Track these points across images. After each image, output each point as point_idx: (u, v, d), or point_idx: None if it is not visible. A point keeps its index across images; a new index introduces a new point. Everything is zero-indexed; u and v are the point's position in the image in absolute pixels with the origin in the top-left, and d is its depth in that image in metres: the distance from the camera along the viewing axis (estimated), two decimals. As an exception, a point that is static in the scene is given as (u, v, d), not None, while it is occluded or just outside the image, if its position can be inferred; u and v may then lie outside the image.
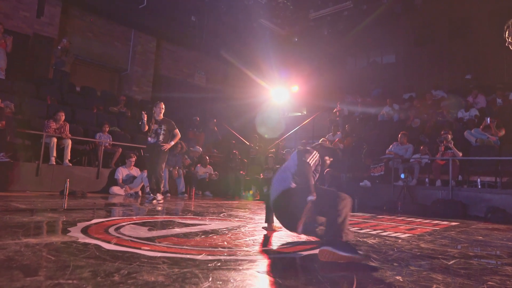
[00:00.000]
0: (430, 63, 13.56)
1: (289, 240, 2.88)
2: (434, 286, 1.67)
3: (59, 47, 9.38)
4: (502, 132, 7.90)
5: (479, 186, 7.46)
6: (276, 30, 13.41)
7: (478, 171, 7.62)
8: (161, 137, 6.11)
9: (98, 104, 9.95)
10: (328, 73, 14.39)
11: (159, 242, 2.44)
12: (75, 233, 2.60)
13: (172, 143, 6.29)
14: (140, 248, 2.20)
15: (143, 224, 3.27)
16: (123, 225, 3.13)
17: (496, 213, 6.09)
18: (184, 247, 2.34)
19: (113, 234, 2.66)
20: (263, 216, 4.61)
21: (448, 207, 6.68)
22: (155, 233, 2.81)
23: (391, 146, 8.48)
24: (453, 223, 5.09)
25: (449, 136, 7.76)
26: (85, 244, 2.23)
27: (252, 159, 10.08)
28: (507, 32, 2.82)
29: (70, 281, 1.47)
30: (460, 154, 7.47)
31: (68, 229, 2.77)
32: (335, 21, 12.64)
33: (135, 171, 7.66)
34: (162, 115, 6.26)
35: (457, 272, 2.00)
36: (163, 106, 6.31)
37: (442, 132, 7.97)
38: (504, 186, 7.15)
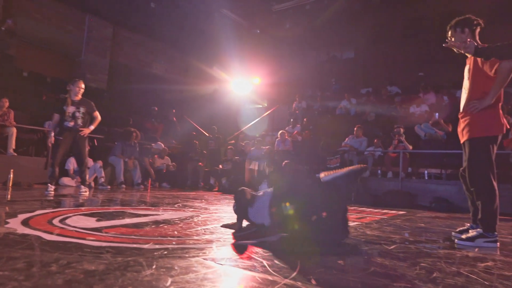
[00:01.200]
0: (386, 60, 14.10)
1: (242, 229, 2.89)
2: (372, 268, 1.75)
3: (3, 28, 8.76)
4: (450, 128, 8.39)
5: (426, 178, 7.91)
6: (238, 21, 13.32)
7: (426, 163, 8.06)
8: (79, 121, 5.40)
9: (48, 91, 9.41)
10: (289, 66, 14.53)
11: (106, 232, 2.36)
12: (15, 225, 2.45)
13: (92, 127, 5.61)
14: (84, 238, 2.12)
15: (91, 215, 3.15)
16: (70, 216, 3.00)
17: (440, 202, 6.50)
18: (132, 236, 2.29)
19: (57, 225, 2.54)
20: (218, 207, 4.62)
21: (397, 197, 7.03)
22: (103, 224, 2.71)
23: (347, 139, 8.75)
24: (401, 212, 5.36)
25: (401, 130, 8.14)
26: (24, 236, 2.11)
27: (211, 150, 10.01)
28: (449, 33, 2.98)
29: (1, 273, 1.38)
30: (411, 147, 7.86)
31: (7, 220, 2.61)
32: (297, 15, 12.75)
33: (87, 162, 7.36)
34: (80, 95, 5.49)
35: (395, 255, 2.11)
36: (83, 85, 5.53)
37: (395, 127, 8.34)
38: (449, 178, 7.62)
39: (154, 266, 1.57)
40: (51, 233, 2.24)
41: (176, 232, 2.52)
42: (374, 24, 13.81)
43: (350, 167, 2.52)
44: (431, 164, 7.98)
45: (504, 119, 2.74)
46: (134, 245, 2.01)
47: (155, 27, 12.34)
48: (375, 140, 8.38)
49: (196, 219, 3.30)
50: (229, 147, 9.36)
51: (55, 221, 2.69)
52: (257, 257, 1.88)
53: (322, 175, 2.56)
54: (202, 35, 12.82)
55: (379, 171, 8.18)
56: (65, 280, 1.33)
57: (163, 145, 9.34)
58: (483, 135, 2.70)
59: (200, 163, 9.56)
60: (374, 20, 13.62)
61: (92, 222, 2.74)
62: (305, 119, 11.16)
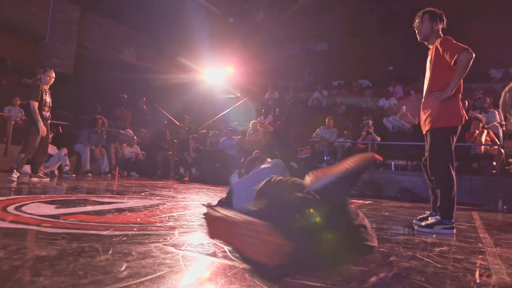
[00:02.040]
0: (358, 53, 14.31)
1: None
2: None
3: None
4: (416, 121, 8.65)
5: (393, 169, 8.14)
6: (212, 9, 13.11)
7: (393, 155, 8.29)
8: (49, 111, 5.50)
9: (9, 75, 8.93)
10: (262, 57, 14.48)
11: (64, 219, 2.27)
12: (-36, 211, 2.32)
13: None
14: (39, 225, 2.03)
15: (51, 202, 3.03)
16: (27, 204, 2.87)
17: (405, 193, 6.72)
18: (91, 223, 2.21)
19: (12, 212, 2.42)
20: (187, 195, 4.57)
21: (365, 187, 7.20)
22: (62, 211, 2.61)
23: (318, 129, 8.86)
24: (367, 202, 5.49)
25: (370, 122, 8.32)
26: (-27, 222, 2.00)
27: (182, 140, 9.87)
28: (416, 20, 3.05)
29: None
30: (379, 139, 8.06)
31: (-43, 207, 2.47)
32: (271, 5, 12.69)
33: (51, 149, 7.05)
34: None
35: (357, 241, 2.15)
36: (53, 74, 5.50)
37: (364, 118, 8.51)
38: (414, 169, 7.88)
39: (110, 252, 1.52)
40: (4, 220, 2.13)
41: (138, 219, 2.46)
42: (348, 17, 13.98)
43: (351, 162, 1.57)
44: (398, 155, 8.22)
45: (464, 111, 2.84)
46: (92, 232, 1.94)
47: (126, 12, 11.95)
48: (345, 132, 8.52)
49: (162, 207, 3.24)
50: (190, 136, 9.21)
51: (10, 209, 2.57)
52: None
53: (309, 178, 1.63)
54: (174, 23, 12.53)
55: (348, 162, 8.34)
56: (11, 266, 1.27)
57: (132, 133, 9.12)
58: (444, 125, 2.79)
59: (170, 152, 9.41)
60: (348, 13, 13.79)
61: (50, 210, 2.63)
62: (277, 110, 11.19)
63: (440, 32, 2.99)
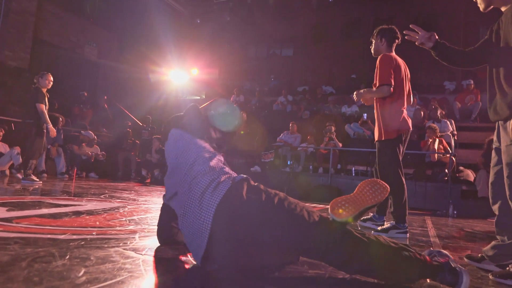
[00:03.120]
0: (323, 60, 14.67)
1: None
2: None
3: None
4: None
5: (353, 174, 8.41)
6: (179, 9, 12.95)
7: (354, 160, 8.56)
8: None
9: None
10: (228, 60, 14.48)
11: (17, 223, 2.16)
12: None
13: None
14: (-12, 229, 1.91)
15: (2, 205, 2.86)
16: (-26, 205, 2.69)
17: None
18: (47, 227, 2.12)
19: (-43, 215, 2.26)
20: (148, 198, 4.47)
21: (326, 192, 7.38)
22: (14, 214, 2.48)
23: (282, 134, 8.98)
24: (327, 206, 5.63)
25: (333, 128, 8.55)
26: None
27: (144, 140, 9.63)
28: (372, 37, 3.24)
29: None
30: (340, 145, 8.29)
31: None
32: (237, 8, 12.74)
33: (1, 147, 6.66)
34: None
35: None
36: (51, 78, 5.61)
37: (327, 124, 8.74)
38: (373, 175, 8.17)
39: (67, 257, 1.47)
40: (-52, 223, 1.99)
41: (97, 223, 2.39)
42: (313, 24, 14.30)
43: (377, 195, 1.63)
44: (359, 161, 8.50)
45: (408, 119, 3.05)
46: (48, 236, 1.86)
47: (88, 6, 11.52)
48: (308, 137, 8.70)
49: (122, 210, 3.16)
50: (154, 136, 9.02)
51: (-44, 210, 2.40)
52: (182, 246, 1.85)
53: (339, 210, 1.57)
54: (140, 20, 12.25)
55: (310, 167, 8.52)
56: (-43, 273, 1.19)
57: (93, 134, 8.78)
58: (388, 137, 2.98)
59: (133, 153, 9.16)
60: (314, 20, 14.11)
61: (1, 212, 2.49)
62: (243, 113, 11.21)
63: (389, 48, 3.17)
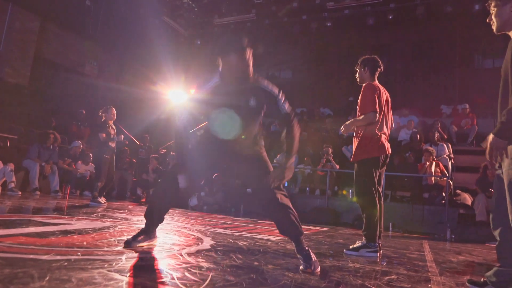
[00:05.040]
0: (321, 83, 14.82)
1: (165, 240, 2.76)
2: (283, 281, 1.75)
3: None
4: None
5: (351, 196, 8.32)
6: (179, 30, 13.15)
7: (351, 183, 8.48)
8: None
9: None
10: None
11: (0, 242, 2.09)
12: None
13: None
14: (-31, 248, 1.85)
15: (-12, 222, 2.79)
16: (-40, 223, 2.63)
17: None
18: (31, 247, 2.05)
19: None
20: (140, 218, 4.39)
21: (323, 214, 7.31)
22: (-1, 232, 2.41)
23: (279, 155, 8.94)
24: (324, 229, 5.55)
25: (330, 150, 8.54)
26: None
27: (141, 159, 9.58)
28: (357, 66, 3.39)
29: None
30: (337, 166, 8.26)
31: None
32: (238, 30, 12.92)
33: (-4, 164, 6.60)
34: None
35: (310, 269, 2.15)
36: (114, 111, 6.33)
37: (324, 146, 8.73)
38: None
39: (47, 278, 1.41)
40: None
41: (85, 243, 2.32)
42: (311, 48, 14.51)
43: None
44: (355, 183, 8.43)
45: (386, 144, 3.17)
46: (31, 256, 1.80)
47: (89, 26, 11.68)
48: (305, 158, 8.67)
49: (113, 229, 3.09)
50: (151, 156, 8.97)
51: None
52: (168, 269, 1.79)
53: None
54: (140, 41, 12.40)
55: (307, 188, 8.45)
56: None
57: (80, 143, 8.69)
58: (364, 157, 3.13)
59: (130, 171, 9.09)
60: (312, 44, 14.32)
61: (-14, 230, 2.43)
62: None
63: (376, 77, 3.36)
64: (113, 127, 6.30)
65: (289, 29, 12.83)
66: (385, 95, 3.28)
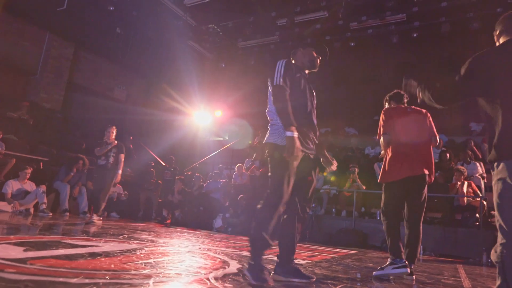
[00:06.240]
0: (345, 102, 14.71)
1: (191, 263, 2.74)
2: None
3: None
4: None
5: (378, 218, 8.08)
6: (204, 53, 13.48)
7: (378, 203, 8.25)
8: (111, 160, 6.29)
9: (-6, 109, 8.82)
10: (252, 102, 14.72)
11: (31, 264, 2.13)
12: None
13: (119, 171, 6.40)
14: (2, 271, 1.89)
15: (20, 244, 2.86)
16: (-6, 244, 2.70)
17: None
18: (61, 269, 2.08)
19: (-25, 254, 2.26)
20: (167, 240, 4.40)
21: (350, 236, 7.09)
22: (30, 254, 2.46)
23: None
24: (352, 251, 5.37)
25: (356, 170, 8.37)
26: None
27: (166, 181, 9.71)
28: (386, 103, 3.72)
29: None
30: (364, 187, 8.06)
31: None
32: (262, 53, 13.12)
33: (29, 186, 6.83)
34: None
35: (341, 296, 2.06)
36: (114, 130, 6.56)
37: (350, 166, 8.56)
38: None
39: (75, 304, 1.41)
40: (-35, 263, 1.99)
41: (112, 266, 2.33)
42: (335, 68, 14.51)
43: None
44: (383, 204, 8.19)
45: (406, 168, 3.16)
46: (60, 279, 1.82)
47: (119, 52, 12.17)
48: (331, 179, 8.53)
49: (139, 252, 3.10)
50: (177, 177, 9.06)
51: (-25, 250, 2.41)
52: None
53: None
54: (166, 64, 12.79)
55: (333, 210, 8.27)
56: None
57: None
58: (382, 181, 3.31)
59: (155, 193, 9.21)
60: (335, 64, 14.32)
61: (18, 252, 2.48)
62: (265, 154, 11.22)
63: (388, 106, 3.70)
64: (111, 145, 6.40)
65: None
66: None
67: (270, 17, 10.96)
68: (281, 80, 2.44)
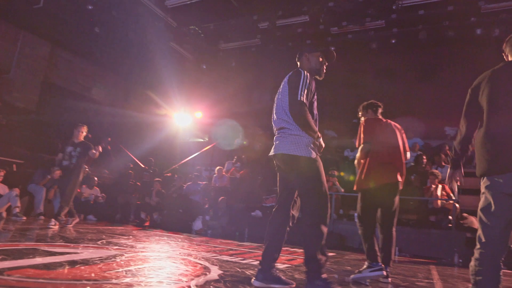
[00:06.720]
0: (324, 105, 14.88)
1: (172, 270, 2.74)
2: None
3: None
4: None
5: (356, 220, 8.24)
6: (185, 55, 13.39)
7: (356, 206, 8.43)
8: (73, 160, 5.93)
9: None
10: (233, 103, 14.72)
11: (8, 275, 2.09)
12: None
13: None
14: (-21, 282, 1.85)
15: (-5, 252, 2.79)
16: (-32, 253, 2.63)
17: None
18: (40, 280, 2.05)
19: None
20: (146, 245, 4.37)
21: (328, 238, 7.16)
22: (6, 264, 2.41)
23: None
24: (330, 254, 5.47)
25: (335, 173, 8.51)
26: None
27: (145, 183, 9.59)
28: (360, 113, 3.93)
29: None
30: (342, 190, 8.22)
31: None
32: (243, 55, 13.15)
33: (1, 189, 6.62)
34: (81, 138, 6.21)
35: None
36: (84, 129, 6.31)
37: (330, 170, 8.70)
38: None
39: (57, 318, 1.40)
40: None
41: (93, 275, 2.31)
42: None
43: None
44: (361, 206, 8.36)
45: (382, 176, 3.34)
46: (40, 291, 1.80)
47: (98, 52, 11.93)
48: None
49: (119, 258, 3.07)
50: (155, 179, 8.97)
51: None
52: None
53: None
54: (147, 65, 12.63)
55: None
56: None
57: (86, 168, 8.69)
58: (359, 188, 3.53)
59: (134, 195, 9.08)
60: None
61: (-6, 262, 2.43)
62: (243, 156, 11.25)
63: (379, 114, 3.79)
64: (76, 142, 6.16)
65: (293, 53, 13.02)
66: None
67: (252, 20, 11.01)
68: (304, 96, 2.48)
